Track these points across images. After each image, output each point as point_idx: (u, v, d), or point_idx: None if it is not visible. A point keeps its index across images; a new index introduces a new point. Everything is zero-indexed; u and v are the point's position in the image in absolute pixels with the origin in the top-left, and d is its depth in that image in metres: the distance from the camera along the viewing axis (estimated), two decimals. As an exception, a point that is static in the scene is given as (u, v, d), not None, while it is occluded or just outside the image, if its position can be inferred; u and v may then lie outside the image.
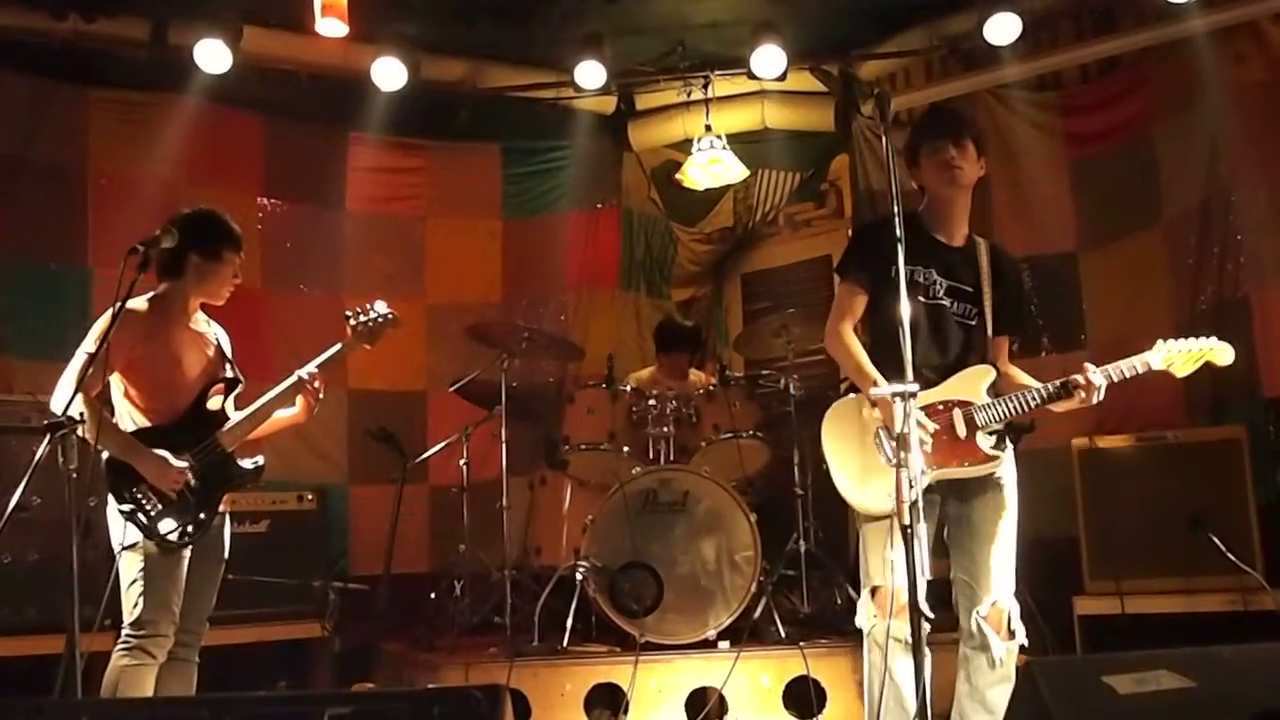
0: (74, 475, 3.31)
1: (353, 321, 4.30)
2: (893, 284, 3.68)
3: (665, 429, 5.80)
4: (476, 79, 7.32)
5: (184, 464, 3.91)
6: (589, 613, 5.49)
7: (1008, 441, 3.75)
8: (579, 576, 5.35)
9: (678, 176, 7.51)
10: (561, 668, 5.11)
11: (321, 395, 4.23)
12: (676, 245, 8.18)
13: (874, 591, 3.63)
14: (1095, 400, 3.55)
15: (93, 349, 3.86)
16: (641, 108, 7.84)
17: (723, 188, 7.68)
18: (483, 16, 6.70)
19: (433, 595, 6.26)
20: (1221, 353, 3.63)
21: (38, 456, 3.27)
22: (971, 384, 3.68)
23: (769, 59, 6.59)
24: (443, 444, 6.36)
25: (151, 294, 4.05)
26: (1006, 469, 3.72)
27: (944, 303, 3.76)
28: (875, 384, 3.58)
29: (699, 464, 5.72)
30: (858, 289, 3.86)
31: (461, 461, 6.22)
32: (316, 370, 4.19)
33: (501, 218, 7.95)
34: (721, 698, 5.02)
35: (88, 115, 6.66)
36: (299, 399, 4.21)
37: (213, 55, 6.20)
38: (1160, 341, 3.62)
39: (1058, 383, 3.60)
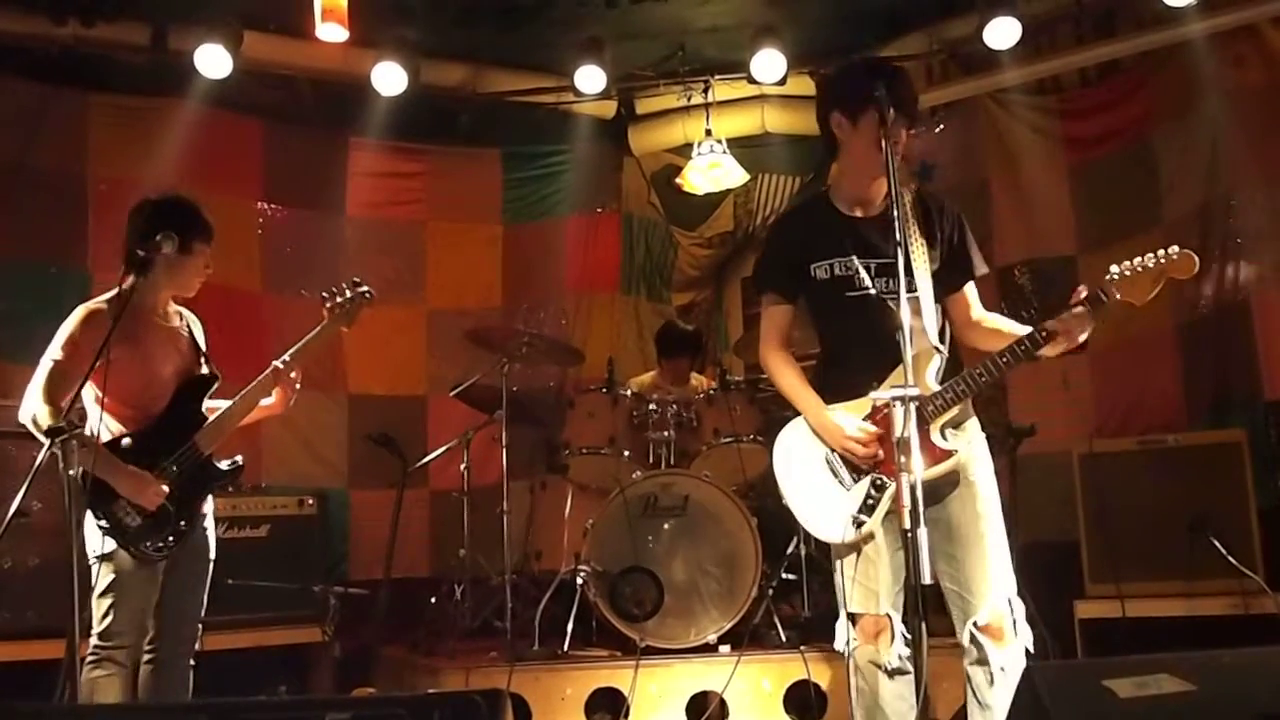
0: (74, 480, 3.30)
1: (329, 304, 4.18)
2: (809, 286, 3.46)
3: (666, 433, 5.80)
4: (476, 84, 7.33)
5: (163, 485, 3.82)
6: (589, 617, 5.48)
7: (970, 433, 3.41)
8: (579, 581, 5.34)
9: (678, 181, 7.53)
10: (562, 672, 5.11)
11: (299, 386, 4.12)
12: (677, 249, 8.20)
13: (854, 618, 3.36)
14: (1082, 338, 3.18)
15: (59, 355, 3.79)
16: (642, 112, 7.86)
17: (723, 192, 7.69)
18: (483, 21, 6.72)
19: (433, 600, 6.24)
20: (1183, 262, 3.16)
21: (38, 462, 3.26)
22: (915, 375, 3.15)
23: (769, 63, 6.60)
24: (443, 449, 6.35)
25: (118, 290, 3.84)
26: (978, 460, 3.39)
27: (870, 291, 3.33)
28: (808, 405, 3.41)
29: (699, 468, 5.72)
30: (775, 301, 3.59)
31: (462, 466, 6.21)
32: (290, 360, 4.08)
33: (502, 222, 7.96)
34: (722, 702, 5.01)
35: (88, 120, 6.67)
36: (275, 390, 4.10)
37: (213, 60, 6.20)
38: (1113, 266, 3.20)
39: (1019, 341, 3.23)
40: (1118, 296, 3.19)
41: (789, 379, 3.53)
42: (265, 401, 4.13)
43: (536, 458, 6.75)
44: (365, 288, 4.23)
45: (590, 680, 5.06)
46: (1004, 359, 3.24)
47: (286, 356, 4.09)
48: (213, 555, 4.12)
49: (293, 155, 7.35)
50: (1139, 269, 3.18)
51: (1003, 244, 6.60)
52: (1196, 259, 3.18)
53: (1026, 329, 3.32)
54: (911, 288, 3.32)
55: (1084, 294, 3.21)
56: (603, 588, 5.31)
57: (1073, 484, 5.60)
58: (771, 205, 7.98)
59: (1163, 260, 3.16)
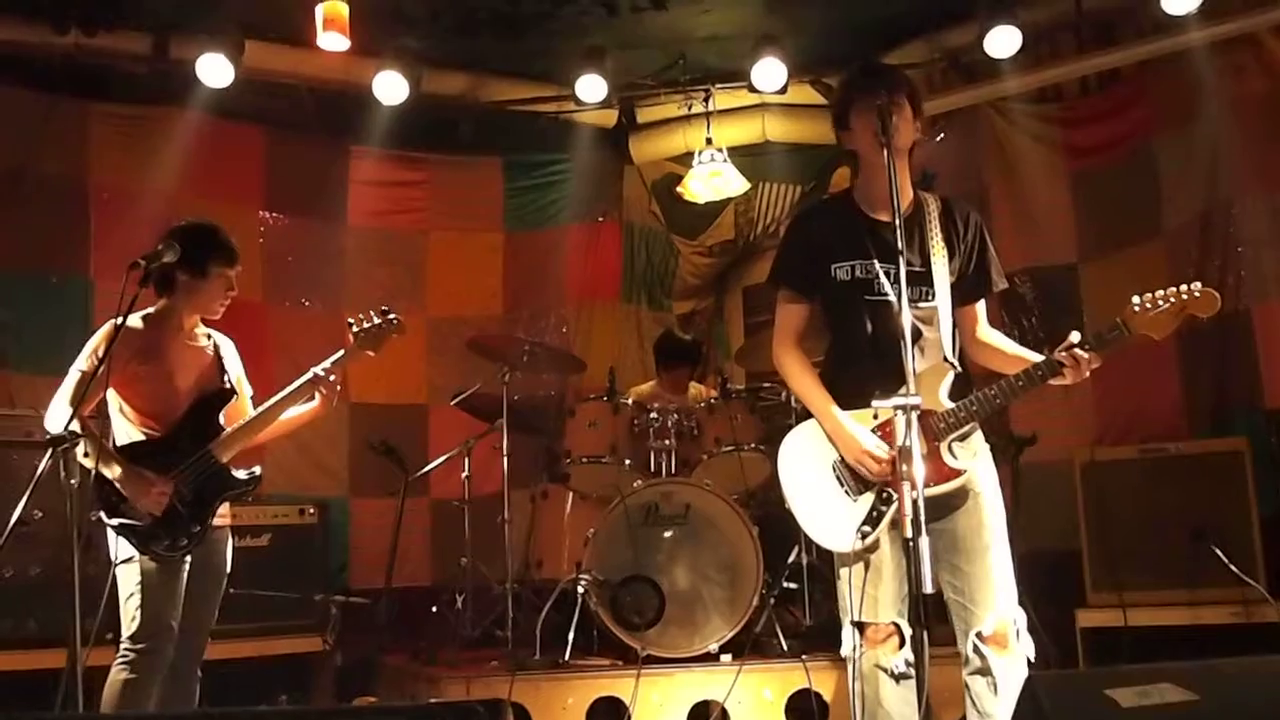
0: (75, 489, 3.31)
1: (355, 329, 4.20)
2: (828, 286, 3.42)
3: (667, 442, 5.80)
4: (478, 92, 7.33)
5: (166, 486, 3.86)
6: (591, 626, 5.47)
7: (976, 445, 3.41)
8: (580, 590, 5.34)
9: (679, 189, 7.52)
10: (563, 681, 5.10)
11: (339, 388, 4.16)
12: (677, 258, 8.19)
13: (861, 627, 3.31)
14: (1088, 372, 3.18)
15: (85, 366, 3.86)
16: (642, 121, 7.85)
17: (724, 200, 7.69)
18: (484, 30, 6.72)
19: (434, 609, 6.25)
20: (1205, 300, 3.17)
21: (40, 471, 3.27)
22: (927, 389, 3.20)
23: (770, 72, 6.61)
24: (444, 457, 6.35)
25: (148, 310, 4.03)
26: (984, 472, 3.37)
27: (889, 297, 3.28)
28: (825, 412, 3.35)
29: (700, 477, 5.72)
30: (792, 300, 3.54)
31: (463, 475, 6.22)
32: (330, 368, 4.12)
33: (503, 231, 7.96)
34: (724, 711, 5.00)
35: (89, 129, 6.68)
36: (317, 395, 4.13)
37: (214, 69, 6.21)
38: (1135, 298, 3.21)
39: (1035, 367, 3.24)
40: (1130, 332, 3.21)
41: (803, 381, 3.48)
42: (308, 406, 4.16)
43: (537, 466, 6.75)
44: (393, 315, 4.22)
45: (591, 689, 5.05)
46: (1020, 383, 3.24)
47: (328, 364, 4.12)
48: (228, 570, 4.18)
49: (294, 164, 7.36)
50: (1160, 303, 3.18)
51: (1003, 252, 6.56)
52: (1219, 298, 3.20)
53: (1029, 353, 3.37)
54: (929, 297, 3.35)
55: (1076, 339, 3.21)
56: (604, 597, 5.31)
57: (1074, 492, 5.61)
58: (772, 214, 7.97)
59: (1185, 296, 3.18)
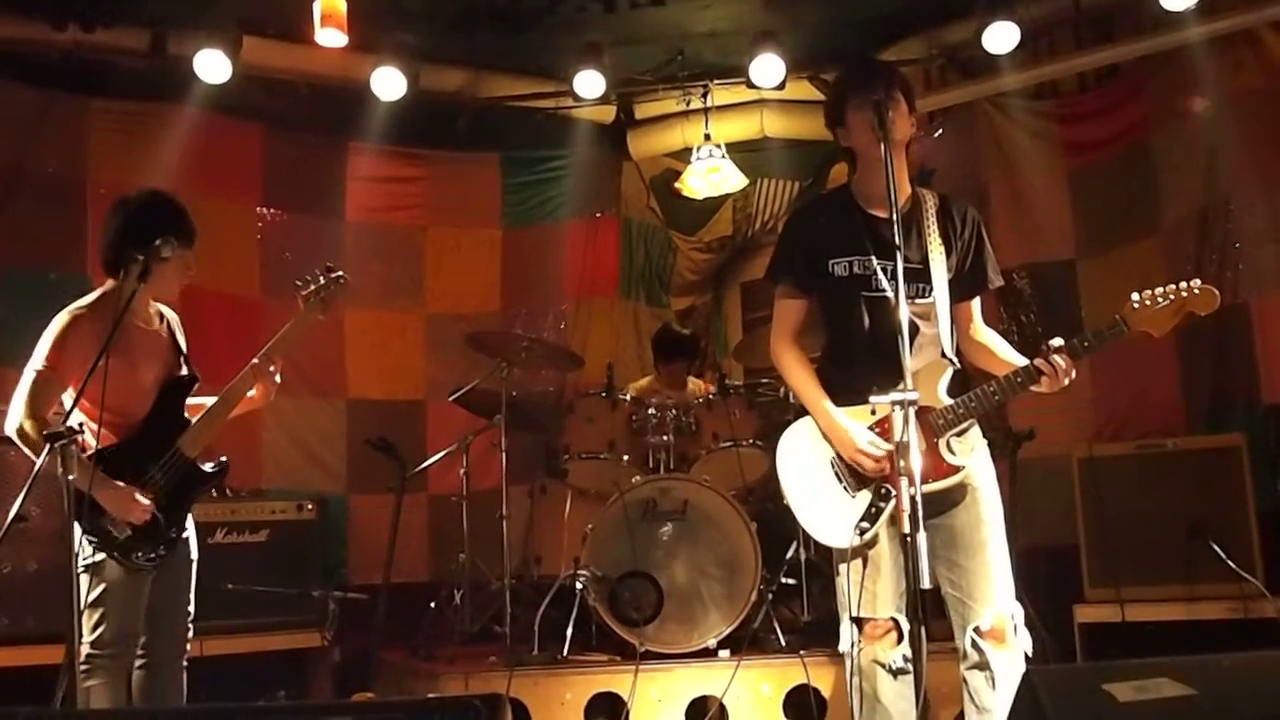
0: (73, 486, 3.29)
1: (304, 292, 4.12)
2: (826, 282, 3.42)
3: (665, 438, 5.80)
4: (476, 88, 7.32)
5: (148, 498, 3.76)
6: (589, 622, 5.48)
7: (974, 441, 3.42)
8: (579, 585, 5.34)
9: (677, 185, 7.52)
10: (561, 677, 5.10)
11: (279, 379, 4.05)
12: (676, 254, 8.19)
13: (859, 622, 3.31)
14: (1066, 381, 3.18)
15: (42, 365, 3.74)
16: (641, 117, 7.85)
17: (722, 196, 7.69)
18: (482, 26, 6.70)
19: (432, 605, 6.24)
20: (1204, 297, 3.20)
21: (37, 467, 3.26)
22: (926, 385, 3.23)
23: (768, 68, 6.60)
24: (442, 453, 6.35)
25: (99, 293, 3.85)
26: (981, 468, 3.39)
27: (887, 293, 3.27)
28: (821, 409, 3.36)
29: (699, 473, 5.72)
30: (789, 295, 3.53)
31: (461, 471, 6.22)
32: (266, 355, 4.01)
33: (501, 227, 7.95)
34: (722, 706, 5.00)
35: (87, 125, 6.66)
36: (255, 385, 4.03)
37: (212, 65, 6.20)
38: (1134, 295, 3.23)
39: (1018, 371, 3.26)
40: (1129, 329, 3.23)
41: (800, 378, 3.49)
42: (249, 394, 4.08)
43: (536, 462, 6.76)
44: (339, 273, 4.17)
45: (590, 685, 5.06)
46: (1016, 380, 3.26)
47: (263, 352, 4.04)
48: (195, 556, 4.08)
49: (292, 160, 7.35)
50: (1159, 300, 3.20)
51: (1001, 248, 6.57)
52: (1218, 294, 3.21)
53: (1018, 357, 3.39)
54: (927, 293, 3.35)
55: (1059, 343, 3.22)
56: (602, 592, 5.31)
57: (1072, 488, 5.61)
58: (770, 209, 7.98)
59: (1184, 294, 3.20)
